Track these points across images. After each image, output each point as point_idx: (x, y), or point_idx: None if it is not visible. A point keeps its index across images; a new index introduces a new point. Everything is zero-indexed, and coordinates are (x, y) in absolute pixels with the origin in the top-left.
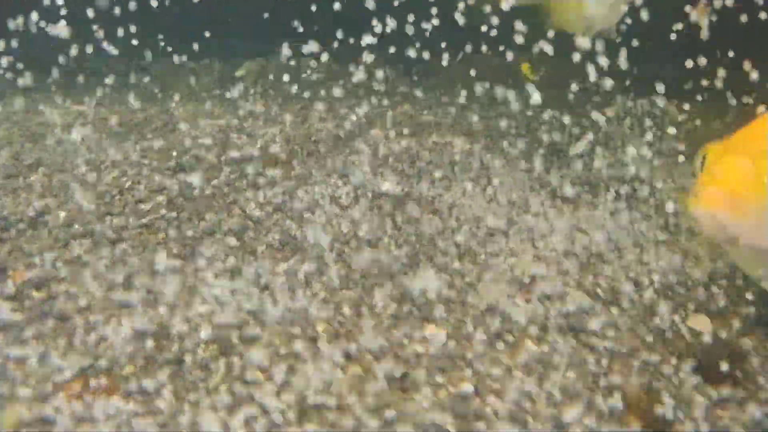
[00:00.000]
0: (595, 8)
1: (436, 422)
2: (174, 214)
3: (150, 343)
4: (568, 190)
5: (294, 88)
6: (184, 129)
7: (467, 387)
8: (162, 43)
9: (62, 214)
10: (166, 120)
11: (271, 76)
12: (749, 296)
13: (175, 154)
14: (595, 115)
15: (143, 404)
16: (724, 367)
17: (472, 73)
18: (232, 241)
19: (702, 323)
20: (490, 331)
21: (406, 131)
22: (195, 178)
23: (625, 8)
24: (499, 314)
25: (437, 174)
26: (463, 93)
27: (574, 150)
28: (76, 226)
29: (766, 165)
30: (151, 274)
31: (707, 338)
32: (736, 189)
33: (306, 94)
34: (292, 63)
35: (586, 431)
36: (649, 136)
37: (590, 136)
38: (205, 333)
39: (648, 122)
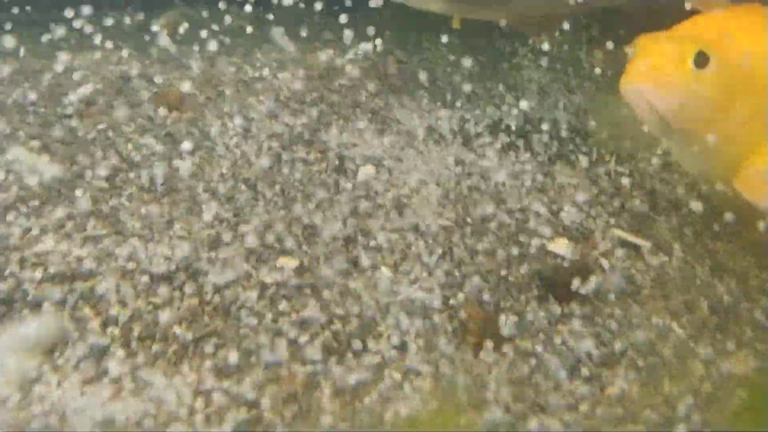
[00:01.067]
0: None
1: None
2: (45, 156)
3: None
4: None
5: (212, 35)
6: (78, 78)
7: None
8: None
9: None
10: (64, 62)
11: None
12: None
13: (65, 101)
14: None
15: None
16: (575, 285)
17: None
18: (101, 183)
19: (562, 246)
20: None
21: (314, 75)
22: (78, 124)
23: None
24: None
25: (336, 116)
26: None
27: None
28: None
29: (691, 49)
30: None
31: (565, 259)
32: (660, 65)
33: (227, 41)
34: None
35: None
36: None
37: None
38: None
39: None
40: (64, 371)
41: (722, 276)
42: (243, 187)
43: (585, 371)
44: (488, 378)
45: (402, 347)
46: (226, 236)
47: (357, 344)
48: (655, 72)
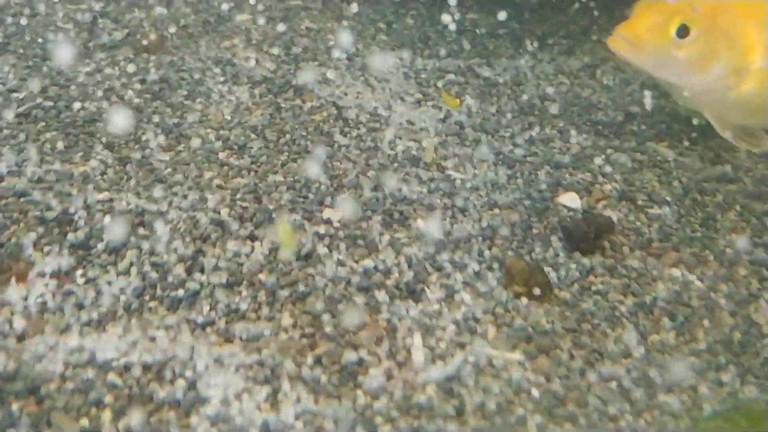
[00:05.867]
0: None
1: None
2: (50, 103)
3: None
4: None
5: None
6: (44, 14)
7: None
8: None
9: None
10: (24, 4)
11: None
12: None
13: (40, 40)
14: None
15: None
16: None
17: None
18: (114, 129)
19: (571, 199)
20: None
21: (276, 16)
22: (64, 67)
23: None
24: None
25: (314, 61)
26: None
27: None
28: None
29: (676, 21)
30: (40, 163)
31: (578, 213)
32: (641, 32)
33: None
34: None
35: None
36: None
37: None
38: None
39: None
40: None
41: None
42: (252, 135)
43: (624, 321)
44: (546, 326)
45: (454, 295)
46: (260, 186)
47: (418, 290)
48: (635, 38)
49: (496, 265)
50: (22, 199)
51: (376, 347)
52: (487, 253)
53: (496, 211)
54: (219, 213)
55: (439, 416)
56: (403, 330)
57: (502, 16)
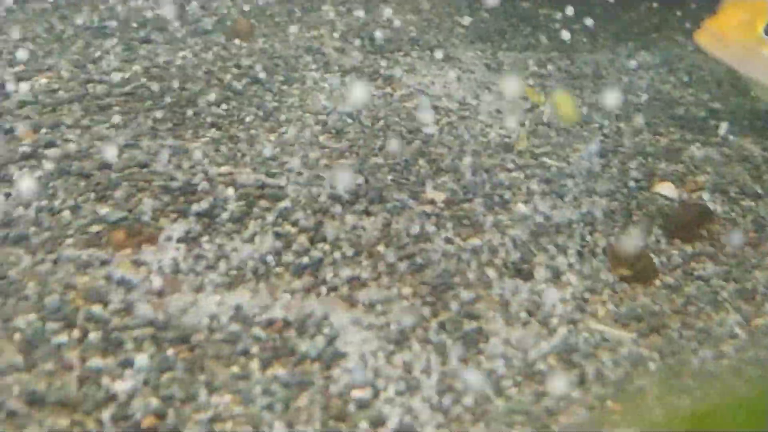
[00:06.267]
0: None
1: None
2: (154, 83)
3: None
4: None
5: None
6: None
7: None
8: None
9: (43, 80)
10: None
11: None
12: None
13: (135, 25)
14: None
15: None
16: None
17: None
18: (218, 110)
19: (668, 189)
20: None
21: (357, 8)
22: (162, 50)
23: None
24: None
25: (399, 51)
26: None
27: None
28: (62, 93)
29: (764, 18)
30: (153, 138)
31: (675, 202)
32: (728, 29)
33: None
34: None
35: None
36: None
37: None
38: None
39: None
40: None
41: None
42: (349, 120)
43: (727, 305)
44: (653, 307)
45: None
46: (364, 167)
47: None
48: (722, 34)
49: (598, 249)
50: (144, 170)
51: (493, 318)
52: (589, 237)
53: (595, 198)
54: (335, 189)
55: (563, 383)
56: (516, 305)
57: (575, 11)
